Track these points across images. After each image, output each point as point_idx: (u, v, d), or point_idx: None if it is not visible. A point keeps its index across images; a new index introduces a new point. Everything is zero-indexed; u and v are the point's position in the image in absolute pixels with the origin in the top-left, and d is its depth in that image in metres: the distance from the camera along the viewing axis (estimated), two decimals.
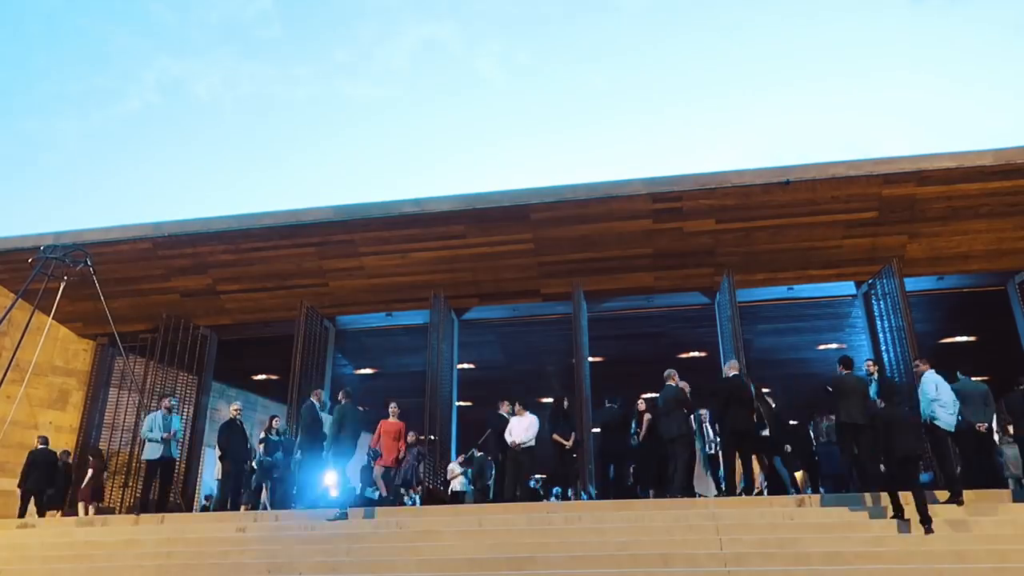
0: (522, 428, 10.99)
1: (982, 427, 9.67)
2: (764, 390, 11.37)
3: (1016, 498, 8.80)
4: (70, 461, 13.36)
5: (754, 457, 10.55)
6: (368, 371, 19.46)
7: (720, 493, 10.04)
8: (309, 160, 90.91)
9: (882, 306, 12.50)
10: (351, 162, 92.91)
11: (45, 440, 12.70)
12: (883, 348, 12.46)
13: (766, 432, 10.10)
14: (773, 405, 10.63)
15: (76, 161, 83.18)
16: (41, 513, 12.30)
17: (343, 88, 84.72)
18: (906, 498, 7.93)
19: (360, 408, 11.76)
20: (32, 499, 12.35)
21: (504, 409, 11.76)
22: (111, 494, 13.57)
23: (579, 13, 78.05)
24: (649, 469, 11.26)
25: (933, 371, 9.49)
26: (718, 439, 10.56)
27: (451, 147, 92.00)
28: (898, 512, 7.92)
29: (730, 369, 10.43)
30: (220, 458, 12.07)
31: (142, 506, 11.88)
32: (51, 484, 12.48)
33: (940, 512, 8.48)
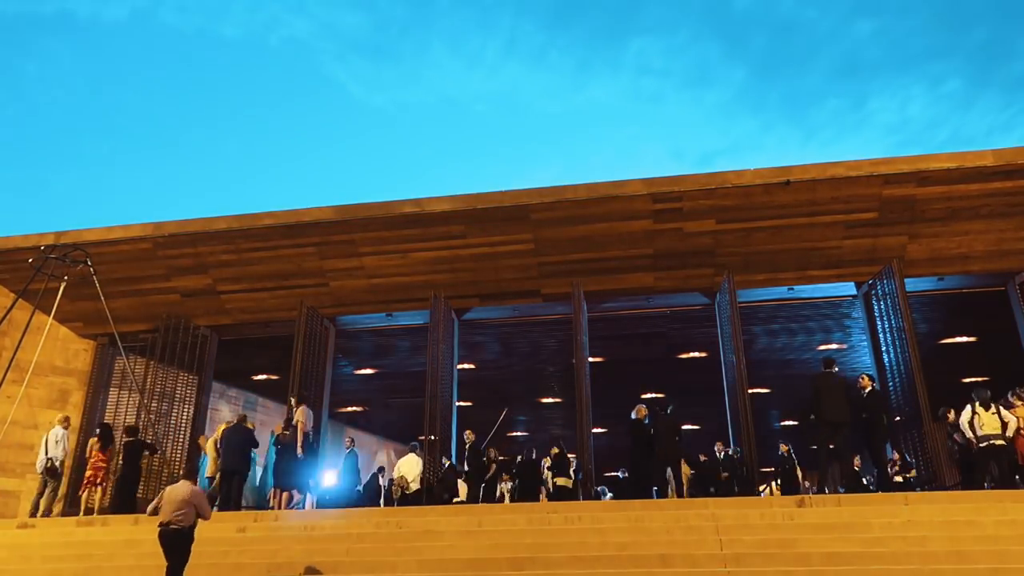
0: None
1: None
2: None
3: None
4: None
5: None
6: (368, 371, 19.45)
7: None
8: (309, 160, 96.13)
9: (882, 307, 12.49)
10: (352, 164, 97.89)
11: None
12: (883, 349, 12.45)
13: None
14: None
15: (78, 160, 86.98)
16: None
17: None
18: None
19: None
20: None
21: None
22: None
23: None
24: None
25: None
26: None
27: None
28: None
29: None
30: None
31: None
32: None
33: (941, 512, 8.49)
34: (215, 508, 11.52)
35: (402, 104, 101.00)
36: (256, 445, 12.04)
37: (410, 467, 12.41)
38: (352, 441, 15.27)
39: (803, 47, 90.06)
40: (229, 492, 11.46)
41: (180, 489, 7.65)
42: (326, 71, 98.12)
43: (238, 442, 11.62)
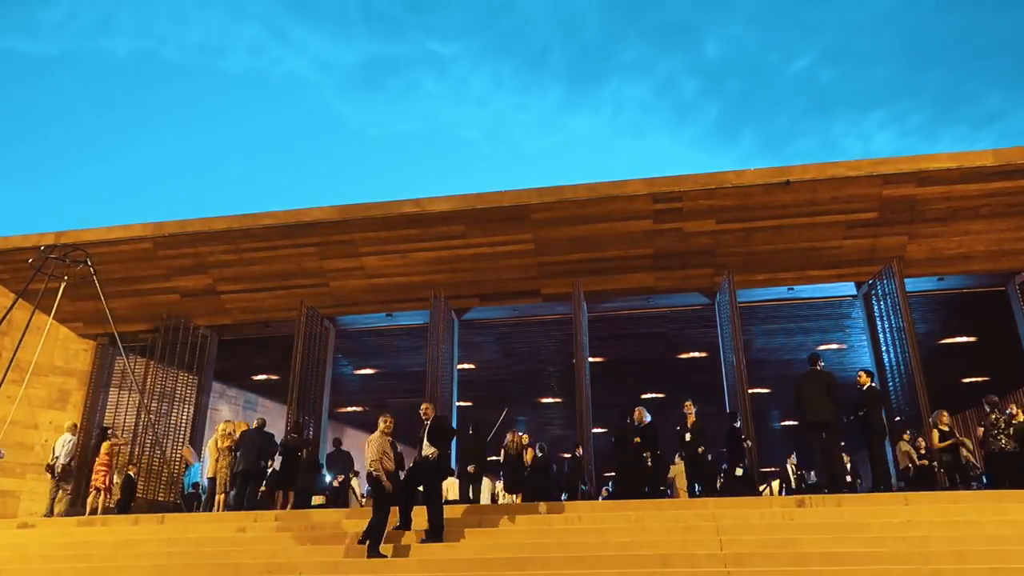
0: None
1: None
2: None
3: None
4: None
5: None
6: (368, 371, 19.45)
7: None
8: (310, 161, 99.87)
9: (882, 306, 12.50)
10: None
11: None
12: (883, 348, 12.45)
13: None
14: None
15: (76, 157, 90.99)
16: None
17: None
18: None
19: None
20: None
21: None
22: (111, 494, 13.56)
23: None
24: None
25: None
26: None
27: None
28: None
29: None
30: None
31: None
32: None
33: (941, 512, 8.50)
34: (225, 508, 11.62)
35: (395, 132, 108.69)
36: (276, 449, 11.95)
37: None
38: (338, 440, 15.23)
39: (773, 88, 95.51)
40: (245, 493, 11.47)
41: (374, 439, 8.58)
42: (323, 102, 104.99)
43: (259, 445, 11.60)
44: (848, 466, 14.67)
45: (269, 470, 12.13)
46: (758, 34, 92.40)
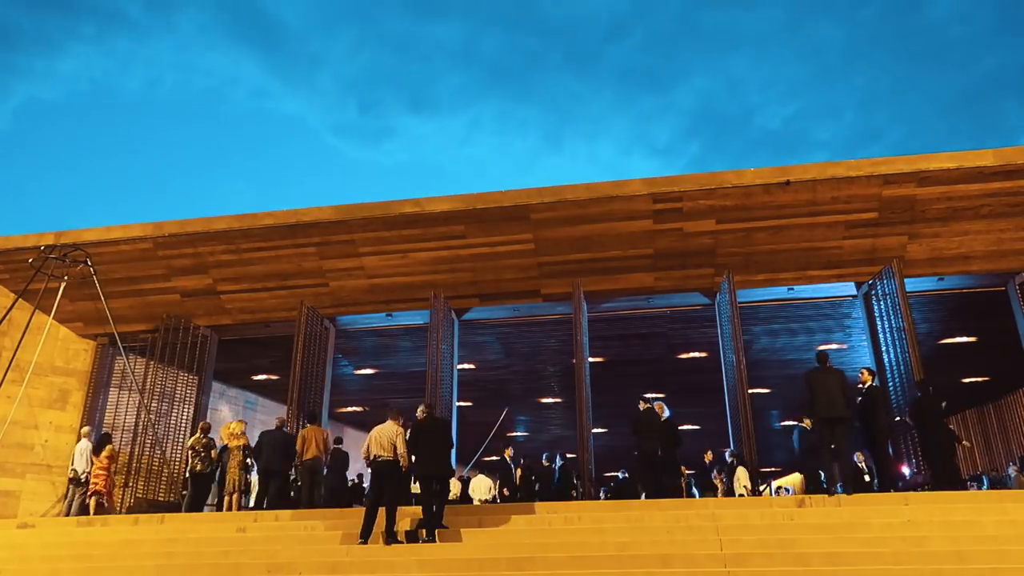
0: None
1: None
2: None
3: None
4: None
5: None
6: (368, 371, 19.46)
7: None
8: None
9: (882, 307, 12.50)
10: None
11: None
12: (883, 349, 12.45)
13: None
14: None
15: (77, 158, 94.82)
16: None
17: None
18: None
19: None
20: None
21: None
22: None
23: None
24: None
25: None
26: None
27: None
28: None
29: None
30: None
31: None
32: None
33: (941, 512, 8.50)
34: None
35: (384, 165, 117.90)
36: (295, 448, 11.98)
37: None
38: (339, 439, 15.18)
39: (740, 136, 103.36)
40: (267, 492, 11.66)
41: (386, 429, 8.78)
42: (317, 137, 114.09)
43: (279, 445, 11.67)
44: (863, 465, 14.64)
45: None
46: (723, 86, 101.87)
